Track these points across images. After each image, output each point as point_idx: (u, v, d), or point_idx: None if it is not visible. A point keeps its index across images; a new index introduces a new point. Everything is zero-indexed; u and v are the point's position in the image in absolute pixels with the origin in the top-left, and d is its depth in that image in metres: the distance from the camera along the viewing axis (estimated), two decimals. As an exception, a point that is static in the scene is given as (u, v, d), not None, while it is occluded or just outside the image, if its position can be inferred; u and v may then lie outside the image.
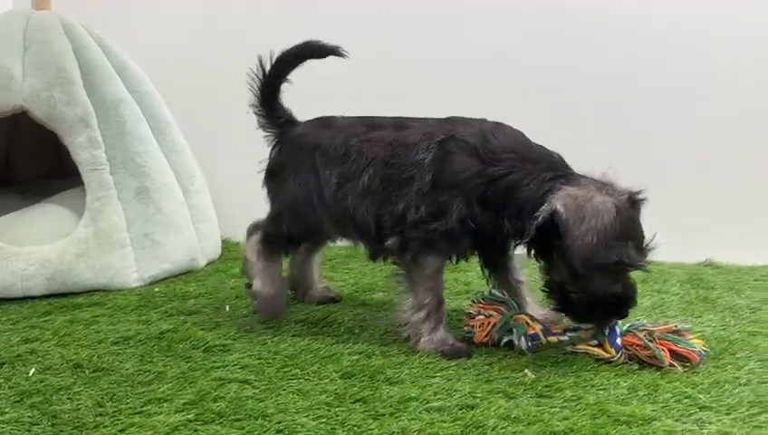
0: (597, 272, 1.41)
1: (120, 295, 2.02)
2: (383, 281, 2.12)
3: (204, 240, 2.36)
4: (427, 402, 1.29)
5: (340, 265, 2.35)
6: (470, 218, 1.52)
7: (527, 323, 1.57)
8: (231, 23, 2.74)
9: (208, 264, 2.38)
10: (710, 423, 1.22)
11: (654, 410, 1.26)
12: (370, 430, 1.19)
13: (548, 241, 1.46)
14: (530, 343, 1.55)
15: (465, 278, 2.19)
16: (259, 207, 2.74)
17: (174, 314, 1.84)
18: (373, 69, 2.52)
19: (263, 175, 1.84)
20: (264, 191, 1.84)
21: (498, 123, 1.59)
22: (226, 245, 2.59)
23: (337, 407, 1.28)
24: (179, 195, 2.31)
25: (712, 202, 2.37)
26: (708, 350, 1.49)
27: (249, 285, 1.79)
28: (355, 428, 1.20)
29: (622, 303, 1.46)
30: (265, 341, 1.62)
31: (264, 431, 1.19)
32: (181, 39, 2.76)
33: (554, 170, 1.49)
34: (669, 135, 2.44)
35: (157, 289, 2.08)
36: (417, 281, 1.58)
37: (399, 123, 1.66)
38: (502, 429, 1.19)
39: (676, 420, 1.23)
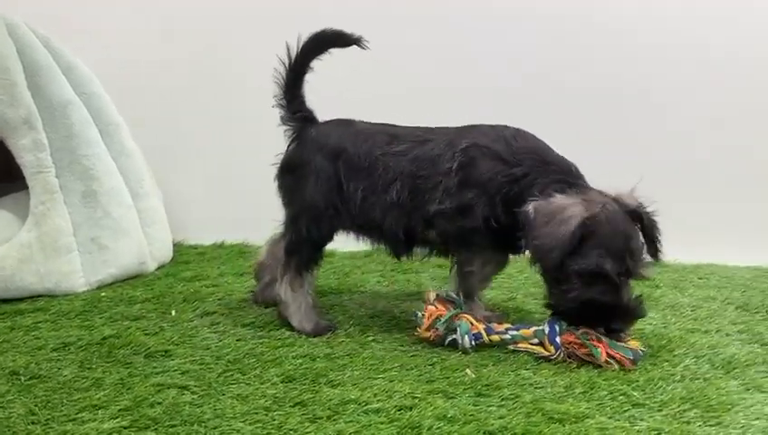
0: (575, 279, 1.47)
1: (65, 301, 1.98)
2: (335, 283, 2.13)
3: (154, 244, 2.33)
4: (366, 404, 1.29)
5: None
6: (493, 218, 1.59)
7: (471, 323, 1.59)
8: (183, 23, 2.71)
9: (159, 268, 2.34)
10: (642, 420, 1.24)
11: (588, 408, 1.28)
12: (307, 433, 1.19)
13: None
14: (473, 342, 1.56)
15: (418, 279, 2.20)
16: (212, 210, 2.75)
17: (118, 319, 1.81)
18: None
19: (276, 170, 1.83)
20: (276, 187, 1.83)
21: (519, 129, 1.66)
22: (178, 248, 2.56)
23: (275, 411, 1.27)
24: (128, 198, 2.27)
25: (660, 202, 2.41)
26: (645, 350, 1.51)
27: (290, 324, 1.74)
28: (291, 432, 1.20)
29: (607, 314, 1.48)
30: (209, 345, 1.60)
31: (199, 437, 1.18)
32: (132, 39, 2.72)
33: (564, 176, 1.56)
34: (620, 133, 2.48)
35: (103, 294, 2.04)
36: (475, 249, 1.66)
37: (420, 136, 1.71)
38: (437, 429, 1.20)
39: (609, 418, 1.25)
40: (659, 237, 1.54)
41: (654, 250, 1.54)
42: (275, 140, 2.63)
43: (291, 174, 1.78)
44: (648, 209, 1.54)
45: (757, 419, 1.24)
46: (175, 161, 2.74)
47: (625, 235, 1.48)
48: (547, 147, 1.64)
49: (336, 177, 1.71)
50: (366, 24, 1.71)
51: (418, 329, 1.62)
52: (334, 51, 1.78)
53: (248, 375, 1.43)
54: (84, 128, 2.21)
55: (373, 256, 2.52)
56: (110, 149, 2.29)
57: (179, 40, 2.70)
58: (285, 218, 1.81)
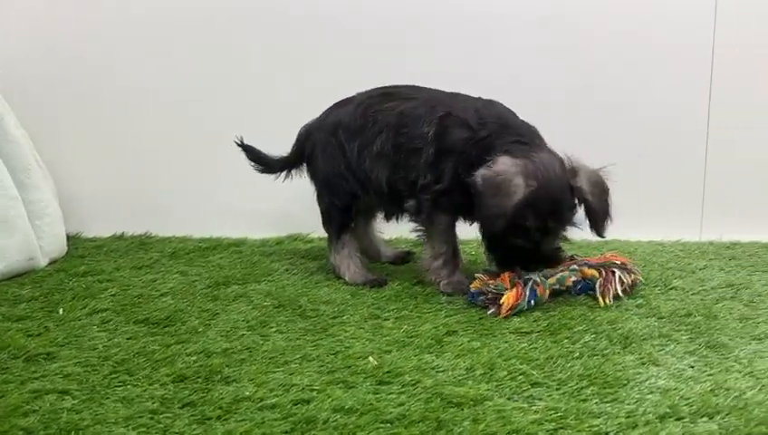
0: (506, 232, 1.67)
1: (-59, 304, 1.82)
2: (240, 274, 2.04)
3: (44, 238, 2.17)
4: (261, 401, 1.23)
5: (198, 258, 2.23)
6: (456, 178, 1.74)
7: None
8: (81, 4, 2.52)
9: (50, 263, 2.19)
10: (540, 400, 1.24)
11: (488, 390, 1.27)
12: (194, 435, 1.12)
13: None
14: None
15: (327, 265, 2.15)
16: (112, 200, 2.59)
17: (-1, 320, 1.67)
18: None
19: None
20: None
21: (491, 100, 1.85)
22: (74, 242, 2.41)
23: (162, 414, 1.19)
24: (13, 190, 2.10)
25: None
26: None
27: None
28: (177, 435, 1.13)
29: (528, 258, 1.70)
30: (96, 345, 1.50)
31: (75, 446, 1.10)
32: (24, 23, 2.51)
33: (521, 137, 1.72)
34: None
35: (-14, 294, 1.89)
36: (433, 235, 1.86)
37: (407, 94, 1.90)
38: (333, 421, 1.16)
39: (508, 399, 1.24)
40: (603, 217, 1.72)
41: (595, 226, 1.73)
42: (179, 127, 2.53)
43: (309, 164, 2.06)
44: (596, 190, 1.70)
45: (651, 393, 1.26)
46: (69, 149, 2.56)
47: (552, 203, 1.66)
48: (512, 115, 1.80)
49: (339, 145, 1.94)
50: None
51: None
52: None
53: (136, 376, 1.34)
54: (-39, 115, 2.03)
55: (284, 244, 2.45)
56: (-7, 137, 2.11)
57: (73, 25, 2.51)
58: (316, 198, 2.05)
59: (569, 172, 1.68)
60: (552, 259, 1.73)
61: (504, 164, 1.66)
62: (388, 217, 2.04)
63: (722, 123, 2.39)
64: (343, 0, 2.43)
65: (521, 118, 1.81)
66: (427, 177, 1.82)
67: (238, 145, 2.16)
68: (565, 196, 1.67)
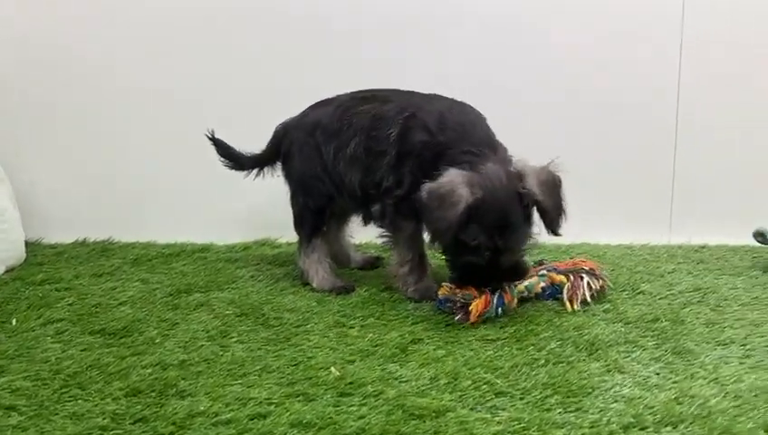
0: (461, 247, 1.61)
1: None
2: (203, 281, 2.00)
3: (0, 244, 2.10)
4: (217, 416, 1.19)
5: (161, 265, 2.17)
6: (416, 184, 1.67)
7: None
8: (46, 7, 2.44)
9: (7, 271, 2.11)
10: (503, 410, 1.22)
11: (451, 400, 1.24)
12: (144, 453, 1.08)
13: None
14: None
15: (294, 272, 2.11)
16: (74, 205, 2.52)
17: (-52, 333, 1.61)
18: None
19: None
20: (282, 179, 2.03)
21: (462, 104, 1.81)
22: (33, 248, 2.34)
23: (112, 430, 1.15)
24: (-34, 196, 2.04)
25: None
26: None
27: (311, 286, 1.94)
28: (126, 453, 1.09)
29: (486, 277, 1.63)
30: (48, 358, 1.44)
31: (18, 467, 1.05)
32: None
33: (474, 148, 1.66)
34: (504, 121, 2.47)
35: (-63, 305, 1.82)
36: (398, 241, 1.84)
37: (385, 97, 1.87)
38: (290, 437, 1.12)
39: (471, 409, 1.22)
40: (556, 213, 1.65)
41: (549, 225, 1.65)
42: (144, 129, 2.47)
43: (284, 163, 2.01)
44: (546, 188, 1.63)
45: (615, 401, 1.24)
46: (29, 152, 2.49)
47: (500, 214, 1.59)
48: (478, 122, 1.76)
49: (316, 146, 1.90)
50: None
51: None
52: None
53: (88, 390, 1.29)
54: None
55: (251, 249, 2.40)
56: (-56, 141, 2.04)
57: (37, 24, 2.44)
58: (290, 200, 2.00)
59: (516, 178, 1.62)
60: (516, 274, 1.67)
61: (449, 175, 1.61)
62: (365, 221, 1.98)
63: (690, 126, 2.39)
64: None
65: (485, 125, 1.77)
66: (390, 179, 1.79)
67: (209, 139, 2.09)
68: (513, 206, 1.60)
